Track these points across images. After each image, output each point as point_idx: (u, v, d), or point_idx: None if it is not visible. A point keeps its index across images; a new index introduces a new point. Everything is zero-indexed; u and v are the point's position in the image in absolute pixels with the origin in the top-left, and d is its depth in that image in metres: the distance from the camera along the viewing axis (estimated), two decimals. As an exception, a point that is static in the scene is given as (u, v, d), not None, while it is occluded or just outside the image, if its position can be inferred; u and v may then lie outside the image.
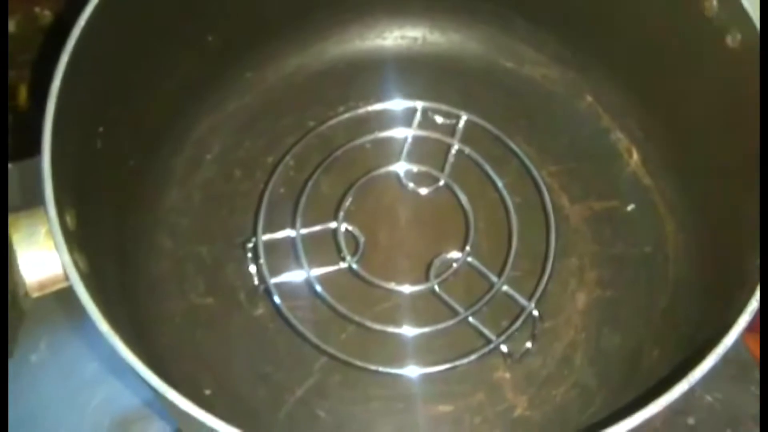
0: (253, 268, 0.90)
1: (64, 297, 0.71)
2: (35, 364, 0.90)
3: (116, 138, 0.86)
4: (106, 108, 0.84)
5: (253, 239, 0.90)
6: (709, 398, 0.89)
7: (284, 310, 0.87)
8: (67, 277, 0.71)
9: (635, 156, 0.99)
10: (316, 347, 0.86)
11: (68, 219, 0.75)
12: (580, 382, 0.87)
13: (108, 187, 0.86)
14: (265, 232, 0.90)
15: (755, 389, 0.90)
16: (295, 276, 0.88)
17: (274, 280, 0.88)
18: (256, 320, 0.89)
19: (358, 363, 0.84)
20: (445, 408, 0.83)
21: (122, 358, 0.67)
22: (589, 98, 1.02)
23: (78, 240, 0.75)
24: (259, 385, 0.86)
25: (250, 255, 0.90)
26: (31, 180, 0.75)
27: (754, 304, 0.67)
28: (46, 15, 1.09)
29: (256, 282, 0.89)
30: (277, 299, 0.87)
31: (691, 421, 0.91)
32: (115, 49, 0.84)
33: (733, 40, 0.79)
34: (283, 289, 0.88)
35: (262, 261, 0.88)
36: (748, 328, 0.66)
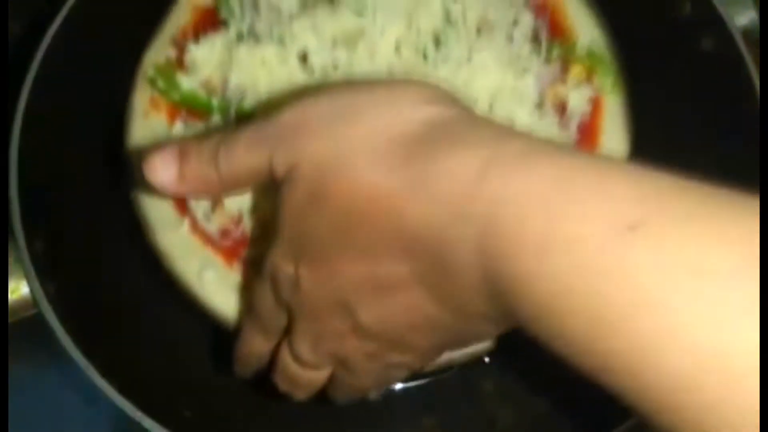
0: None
1: (37, 321, 0.72)
2: (13, 390, 0.85)
3: (85, 152, 0.83)
4: (72, 124, 0.82)
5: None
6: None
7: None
8: (36, 304, 0.72)
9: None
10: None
11: (37, 244, 0.75)
12: (567, 394, 0.77)
13: (75, 208, 0.82)
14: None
15: None
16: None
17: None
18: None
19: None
20: (429, 421, 0.78)
21: (96, 386, 0.68)
22: None
23: (48, 263, 0.75)
24: (239, 404, 0.81)
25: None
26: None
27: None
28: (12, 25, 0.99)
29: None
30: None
31: None
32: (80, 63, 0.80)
33: (707, 43, 0.80)
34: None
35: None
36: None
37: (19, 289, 0.75)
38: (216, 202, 0.75)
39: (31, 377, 0.91)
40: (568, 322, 0.40)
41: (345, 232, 0.49)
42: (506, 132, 0.48)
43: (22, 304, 0.75)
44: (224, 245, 0.75)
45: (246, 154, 0.54)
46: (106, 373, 0.70)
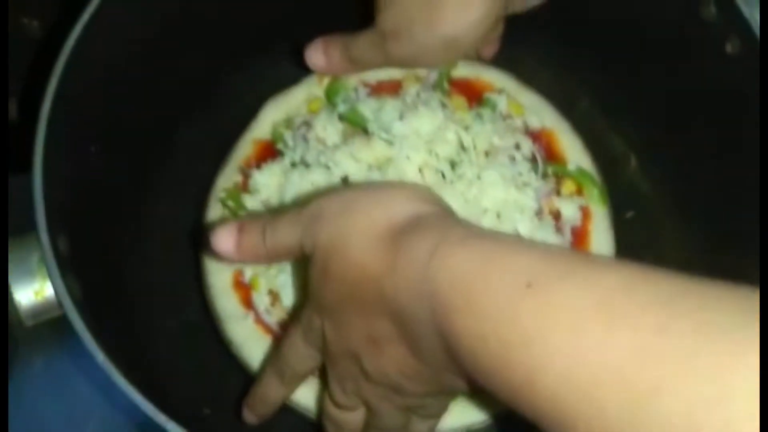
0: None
1: (61, 321, 0.71)
2: (32, 388, 0.90)
3: (108, 156, 0.89)
4: (97, 127, 0.87)
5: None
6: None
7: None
8: (61, 305, 0.72)
9: (633, 162, 1.02)
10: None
11: (61, 244, 0.76)
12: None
13: (101, 205, 0.88)
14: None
15: None
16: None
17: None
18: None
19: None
20: None
21: (120, 388, 0.68)
22: (587, 103, 1.04)
23: (72, 264, 0.75)
24: None
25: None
26: (20, 197, 0.76)
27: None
28: (34, 26, 1.10)
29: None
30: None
31: None
32: (105, 69, 0.87)
33: (732, 46, 0.80)
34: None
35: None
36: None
37: (43, 290, 0.74)
38: (275, 299, 0.91)
39: (54, 372, 0.94)
40: (484, 362, 0.53)
41: (347, 297, 0.62)
42: (455, 222, 0.61)
43: (47, 306, 0.74)
44: (281, 334, 0.90)
45: (284, 234, 0.70)
46: (128, 375, 0.70)
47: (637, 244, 0.94)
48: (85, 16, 0.83)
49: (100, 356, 0.69)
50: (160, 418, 0.68)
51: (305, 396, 0.87)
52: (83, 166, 0.86)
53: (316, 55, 0.95)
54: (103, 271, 0.86)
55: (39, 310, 0.75)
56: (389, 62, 0.97)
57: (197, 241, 0.96)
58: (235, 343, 0.91)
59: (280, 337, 0.90)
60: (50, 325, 0.75)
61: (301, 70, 1.04)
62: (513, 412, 0.53)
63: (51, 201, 0.76)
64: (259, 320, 0.91)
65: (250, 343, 0.90)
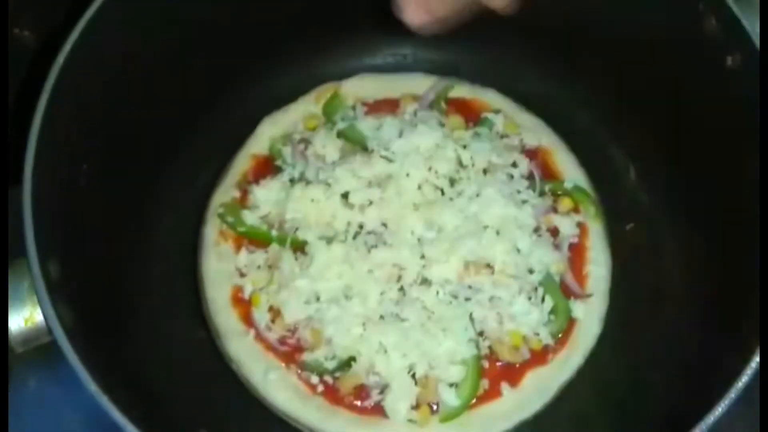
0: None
1: (53, 346, 0.70)
2: (24, 411, 0.89)
3: (101, 173, 0.86)
4: (90, 144, 0.85)
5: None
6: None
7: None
8: (51, 332, 0.70)
9: (633, 174, 1.03)
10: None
11: (52, 268, 0.74)
12: (583, 414, 0.88)
13: (95, 226, 0.86)
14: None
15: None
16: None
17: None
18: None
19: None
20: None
21: (111, 417, 0.67)
22: (587, 116, 1.03)
23: (63, 289, 0.74)
24: (257, 420, 0.88)
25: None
26: (12, 211, 0.75)
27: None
28: (26, 36, 1.06)
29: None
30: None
31: None
32: (99, 85, 0.85)
33: (733, 60, 0.80)
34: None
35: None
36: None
37: (33, 317, 0.73)
38: (276, 316, 0.90)
39: (44, 397, 0.92)
40: None
41: None
42: None
43: (37, 332, 0.73)
44: (282, 351, 0.89)
45: None
46: (120, 404, 0.69)
47: (638, 255, 0.96)
48: (76, 32, 0.83)
49: (91, 385, 0.69)
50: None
51: (286, 400, 0.87)
52: (75, 185, 0.85)
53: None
54: (98, 293, 0.84)
55: (29, 337, 0.74)
56: None
57: (195, 257, 0.95)
58: (235, 360, 0.89)
59: (281, 355, 0.89)
60: (43, 348, 0.74)
61: (297, 88, 1.05)
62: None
63: (41, 225, 0.75)
64: (259, 337, 0.90)
65: (252, 361, 0.89)
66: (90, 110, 0.86)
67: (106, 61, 0.87)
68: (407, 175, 0.94)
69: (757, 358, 0.69)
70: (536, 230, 0.94)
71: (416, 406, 0.86)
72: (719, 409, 0.66)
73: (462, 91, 1.04)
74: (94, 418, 0.88)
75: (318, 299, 0.89)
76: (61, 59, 0.81)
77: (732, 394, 0.67)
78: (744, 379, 0.68)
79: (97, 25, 0.84)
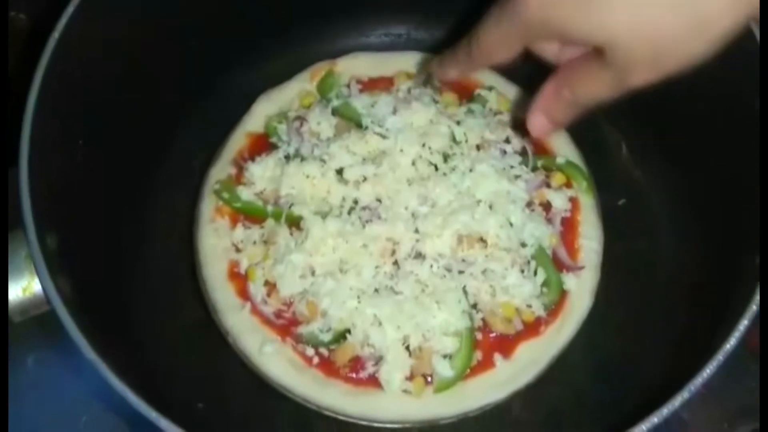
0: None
1: (52, 318, 0.71)
2: (23, 384, 0.89)
3: (97, 150, 0.87)
4: (86, 121, 0.85)
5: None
6: (703, 391, 0.88)
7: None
8: (49, 301, 0.71)
9: (624, 149, 1.04)
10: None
11: (50, 240, 0.75)
12: (575, 384, 0.90)
13: (93, 200, 0.86)
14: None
15: (751, 382, 0.90)
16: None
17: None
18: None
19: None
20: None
21: (109, 384, 0.68)
22: None
23: (62, 260, 0.75)
24: (254, 394, 0.89)
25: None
26: (9, 191, 0.76)
27: (753, 308, 0.69)
28: (21, 19, 1.08)
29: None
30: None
31: (685, 415, 0.89)
32: (94, 61, 0.85)
33: None
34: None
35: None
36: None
37: (31, 286, 0.73)
38: (272, 290, 0.91)
39: (43, 373, 0.93)
40: None
41: None
42: None
43: (35, 302, 0.74)
44: (278, 324, 0.91)
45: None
46: (120, 372, 0.70)
47: (630, 230, 0.97)
48: (71, 8, 0.83)
49: (89, 352, 0.69)
50: (151, 414, 0.67)
51: (282, 372, 0.88)
52: (72, 161, 0.85)
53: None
54: (96, 266, 0.85)
55: (26, 306, 0.74)
56: None
57: (192, 233, 0.97)
58: (232, 334, 0.90)
59: (277, 328, 0.90)
60: (41, 321, 0.74)
61: (291, 67, 1.06)
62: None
63: (38, 196, 0.75)
64: (255, 311, 0.91)
65: (247, 334, 0.90)
66: (85, 88, 0.87)
67: (101, 39, 0.88)
68: (401, 151, 0.95)
69: (742, 326, 0.70)
70: (529, 205, 0.95)
71: (410, 377, 0.88)
72: (705, 374, 0.67)
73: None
74: (94, 396, 0.92)
75: (313, 273, 0.91)
76: (56, 35, 0.81)
77: (720, 357, 0.68)
78: (730, 344, 0.69)
79: (93, 2, 0.85)
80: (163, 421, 0.66)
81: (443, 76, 0.84)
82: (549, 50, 0.75)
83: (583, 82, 0.70)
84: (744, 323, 0.69)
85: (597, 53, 0.66)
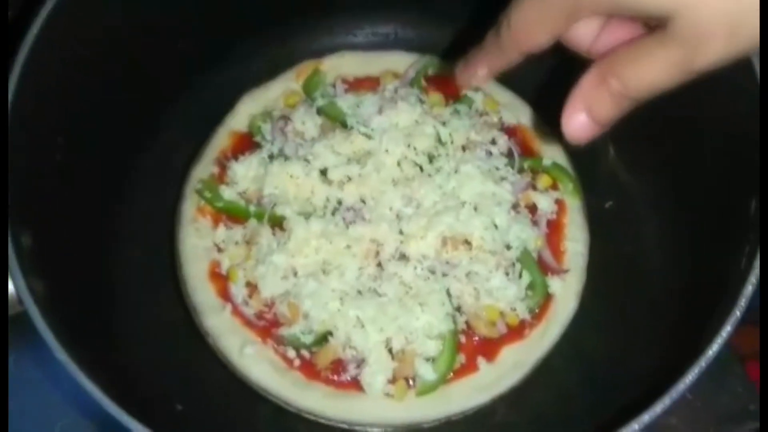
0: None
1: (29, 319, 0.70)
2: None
3: (77, 148, 0.86)
4: (64, 118, 0.84)
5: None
6: (689, 396, 0.87)
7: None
8: (22, 302, 0.70)
9: (612, 151, 1.02)
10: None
11: (24, 239, 0.74)
12: (560, 388, 0.89)
13: (71, 199, 0.85)
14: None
15: (737, 386, 0.89)
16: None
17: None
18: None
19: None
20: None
21: (82, 386, 0.67)
22: (567, 93, 1.01)
23: (36, 260, 0.74)
24: (234, 396, 0.88)
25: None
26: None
27: (737, 313, 0.69)
28: None
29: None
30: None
31: (673, 420, 0.89)
32: (74, 58, 0.84)
33: None
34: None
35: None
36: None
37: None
38: (253, 291, 0.90)
39: (19, 377, 0.91)
40: None
41: None
42: None
43: (9, 303, 0.72)
44: (259, 326, 0.89)
45: None
46: (93, 373, 0.69)
47: (616, 233, 0.96)
48: (50, 4, 0.81)
49: (60, 353, 0.68)
50: (122, 416, 0.66)
51: (262, 373, 0.87)
52: (50, 159, 0.84)
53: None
54: (73, 267, 0.84)
55: None
56: None
57: (173, 233, 0.95)
58: (212, 335, 0.89)
59: (258, 330, 0.89)
60: (20, 323, 0.73)
61: (277, 65, 1.05)
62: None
63: (15, 195, 0.74)
64: (236, 312, 0.90)
65: (228, 335, 0.89)
66: (66, 84, 0.86)
67: (81, 36, 0.87)
68: (386, 151, 0.94)
69: (725, 332, 0.69)
70: (514, 207, 0.94)
71: (393, 381, 0.86)
72: (687, 380, 0.66)
73: (442, 68, 1.03)
74: (71, 401, 0.92)
75: (295, 274, 0.89)
76: (34, 31, 0.80)
77: (702, 363, 0.67)
78: (712, 350, 0.68)
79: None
80: (134, 424, 0.65)
81: (470, 80, 0.74)
82: (584, 36, 0.65)
83: (637, 68, 0.58)
84: (727, 329, 0.68)
85: (655, 30, 0.56)
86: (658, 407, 0.65)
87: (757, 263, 0.70)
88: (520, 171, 0.96)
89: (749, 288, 0.69)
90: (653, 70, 0.57)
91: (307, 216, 0.91)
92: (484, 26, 1.04)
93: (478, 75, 0.74)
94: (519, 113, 1.01)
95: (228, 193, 0.95)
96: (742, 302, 0.69)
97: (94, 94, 0.90)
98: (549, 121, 1.01)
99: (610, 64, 0.60)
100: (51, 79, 0.83)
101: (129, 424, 0.66)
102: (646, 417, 0.64)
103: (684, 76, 0.57)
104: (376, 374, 0.86)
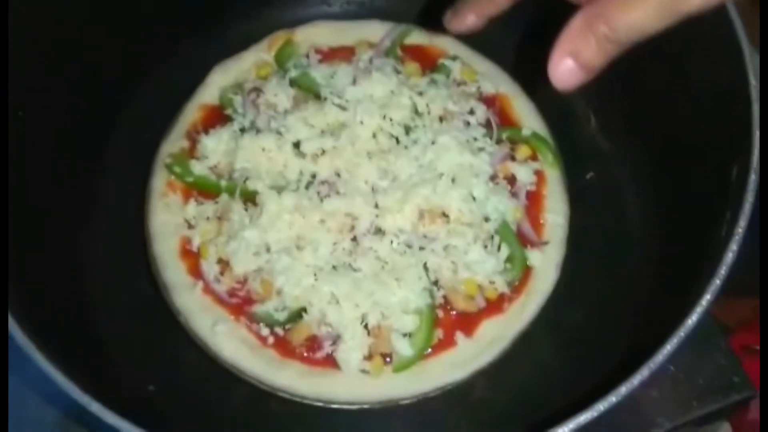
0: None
1: None
2: None
3: (40, 121, 0.83)
4: (26, 90, 0.81)
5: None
6: (672, 368, 0.85)
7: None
8: None
9: (593, 121, 1.00)
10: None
11: None
12: (540, 362, 0.87)
13: (37, 175, 0.84)
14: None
15: (720, 358, 0.87)
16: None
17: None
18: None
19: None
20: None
21: (39, 366, 0.65)
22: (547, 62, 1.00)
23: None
24: (207, 375, 0.86)
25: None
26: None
27: (717, 282, 0.67)
28: None
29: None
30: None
31: (654, 393, 0.86)
32: (36, 26, 0.81)
33: None
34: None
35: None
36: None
37: None
38: (225, 268, 0.88)
39: None
40: None
41: None
42: None
43: None
44: (232, 303, 0.87)
45: None
46: (53, 352, 0.68)
47: (597, 204, 0.94)
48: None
49: (19, 335, 0.66)
50: (83, 398, 0.65)
51: (234, 351, 0.85)
52: (11, 132, 0.81)
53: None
54: (38, 244, 0.82)
55: None
56: None
57: (143, 210, 0.93)
58: (183, 313, 0.87)
59: (230, 307, 0.87)
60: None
61: (248, 36, 1.01)
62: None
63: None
64: (208, 289, 0.88)
65: (199, 313, 0.87)
66: (30, 53, 0.83)
67: (46, 3, 0.84)
68: (361, 123, 0.91)
69: (705, 301, 0.67)
70: (493, 178, 0.91)
71: (369, 357, 0.85)
72: (667, 348, 0.64)
73: (419, 37, 1.01)
74: (26, 377, 0.85)
75: (268, 250, 0.87)
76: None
77: (681, 333, 0.65)
78: (692, 320, 0.66)
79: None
80: (94, 405, 0.63)
81: (460, 28, 0.73)
82: None
83: (626, 10, 0.57)
84: (707, 298, 0.66)
85: None
86: (636, 379, 0.63)
87: (737, 230, 0.68)
88: (499, 142, 0.94)
89: (729, 255, 0.67)
90: (641, 13, 0.57)
91: (279, 190, 0.89)
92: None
93: (468, 22, 0.73)
94: (498, 82, 0.98)
95: (198, 168, 0.92)
96: (723, 270, 0.67)
97: (58, 64, 0.87)
98: (528, 89, 0.99)
99: (597, 8, 0.59)
100: (15, 50, 0.80)
101: (88, 405, 0.64)
102: (623, 389, 0.63)
103: (672, 19, 0.56)
104: (351, 351, 0.84)
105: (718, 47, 0.75)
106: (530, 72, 0.98)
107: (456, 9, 0.74)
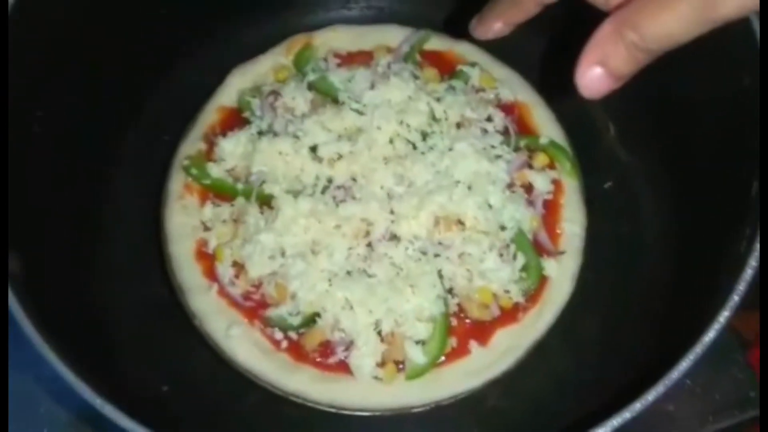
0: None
1: None
2: None
3: (59, 122, 0.84)
4: (46, 90, 0.82)
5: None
6: (688, 382, 0.84)
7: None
8: None
9: (612, 131, 1.00)
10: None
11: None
12: (555, 372, 0.87)
13: (54, 174, 0.84)
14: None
15: (737, 372, 0.87)
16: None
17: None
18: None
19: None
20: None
21: (51, 365, 0.65)
22: (567, 70, 0.98)
23: (14, 237, 0.72)
24: (220, 378, 0.86)
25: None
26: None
27: (735, 298, 0.66)
28: None
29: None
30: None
31: (670, 407, 0.86)
32: (56, 26, 0.81)
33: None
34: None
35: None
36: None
37: None
38: (240, 271, 0.88)
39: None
40: None
41: None
42: None
43: None
44: (246, 306, 0.87)
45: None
46: (70, 357, 0.67)
47: (614, 214, 0.93)
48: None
49: (29, 329, 0.66)
50: (96, 400, 0.65)
51: (248, 355, 0.85)
52: (30, 131, 0.82)
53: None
54: (54, 245, 0.82)
55: None
56: None
57: (159, 211, 0.93)
58: (198, 315, 0.87)
59: (245, 310, 0.87)
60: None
61: (267, 39, 1.02)
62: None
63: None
64: (222, 292, 0.88)
65: (214, 316, 0.87)
66: (48, 56, 0.83)
67: (67, 5, 0.84)
68: (378, 128, 0.91)
69: (722, 317, 0.66)
70: (510, 186, 0.91)
71: (382, 364, 0.84)
72: (683, 365, 0.63)
73: (438, 43, 1.00)
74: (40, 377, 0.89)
75: (283, 254, 0.87)
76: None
77: (698, 349, 0.64)
78: (709, 336, 0.65)
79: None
80: (107, 407, 0.63)
81: (486, 34, 0.73)
82: None
83: (655, 18, 0.55)
84: (725, 314, 0.65)
85: None
86: (651, 395, 0.62)
87: (757, 246, 0.67)
88: (516, 149, 0.93)
89: (748, 272, 0.66)
90: (671, 21, 0.55)
91: (295, 194, 0.89)
92: (481, 1, 1.02)
93: (495, 28, 0.73)
94: (516, 89, 0.98)
95: (215, 171, 0.93)
96: (741, 287, 0.66)
97: (77, 64, 0.87)
98: (548, 97, 0.98)
99: (626, 15, 0.57)
100: (34, 47, 0.81)
101: (103, 409, 0.64)
102: (638, 405, 0.62)
103: (703, 27, 0.55)
104: (364, 357, 0.84)
105: (738, 63, 0.74)
106: (549, 79, 0.99)
107: (482, 16, 0.74)
